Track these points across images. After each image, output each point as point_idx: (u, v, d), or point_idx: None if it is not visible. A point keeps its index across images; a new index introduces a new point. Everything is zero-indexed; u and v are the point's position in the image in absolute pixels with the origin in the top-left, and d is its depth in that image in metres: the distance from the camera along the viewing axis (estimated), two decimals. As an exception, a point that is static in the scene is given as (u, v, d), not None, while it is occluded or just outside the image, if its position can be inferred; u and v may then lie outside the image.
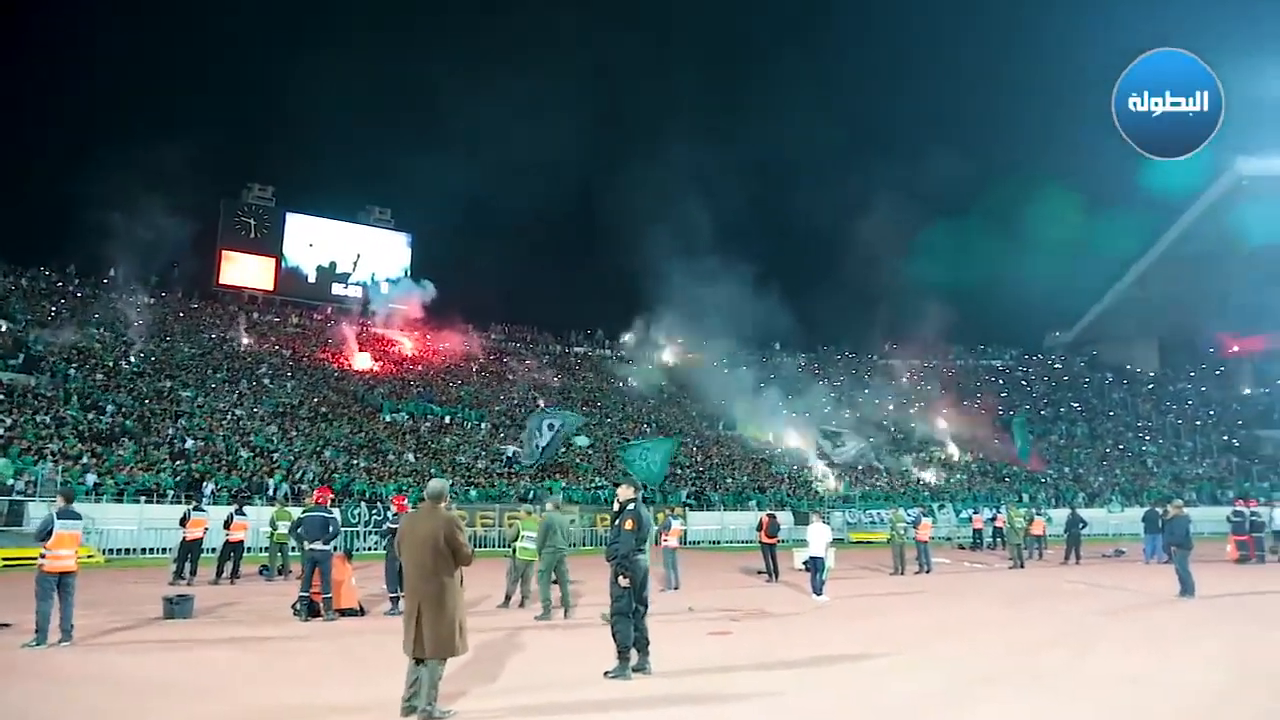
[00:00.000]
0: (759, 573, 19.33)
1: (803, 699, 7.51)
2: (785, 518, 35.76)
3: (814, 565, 15.32)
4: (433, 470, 32.47)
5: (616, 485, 9.44)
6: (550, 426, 32.16)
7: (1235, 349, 61.86)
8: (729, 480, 39.97)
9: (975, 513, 32.55)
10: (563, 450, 35.30)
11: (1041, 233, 54.12)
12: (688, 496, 35.87)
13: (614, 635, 8.18)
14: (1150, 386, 59.59)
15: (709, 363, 55.22)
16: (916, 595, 16.27)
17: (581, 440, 32.11)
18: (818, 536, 15.46)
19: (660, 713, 7.02)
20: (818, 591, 15.03)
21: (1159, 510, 22.99)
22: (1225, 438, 51.64)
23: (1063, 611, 13.57)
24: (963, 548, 30.23)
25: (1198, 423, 54.14)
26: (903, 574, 19.75)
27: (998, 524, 30.21)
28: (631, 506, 8.51)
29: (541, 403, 44.31)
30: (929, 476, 44.90)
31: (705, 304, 51.58)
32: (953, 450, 48.90)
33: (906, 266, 54.95)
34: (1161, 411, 55.75)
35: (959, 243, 57.77)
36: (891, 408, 53.03)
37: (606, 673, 8.10)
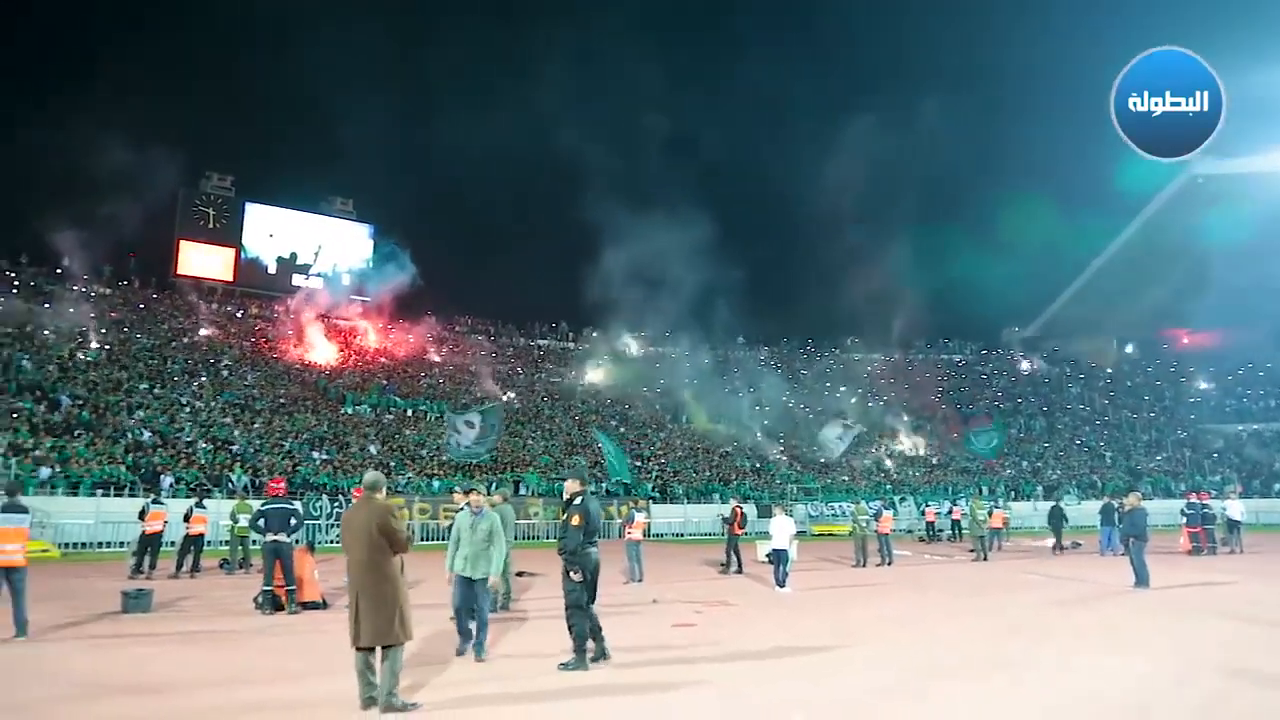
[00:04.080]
0: (722, 565, 19.45)
1: (765, 689, 7.57)
2: (749, 510, 36.05)
3: (777, 558, 15.45)
4: (394, 463, 32.30)
5: (564, 480, 9.41)
6: (469, 424, 31.73)
7: (1187, 344, 63.17)
8: (693, 473, 40.15)
9: (928, 505, 32.93)
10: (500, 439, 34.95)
11: (1003, 229, 54.88)
12: (652, 489, 35.97)
13: (570, 629, 8.18)
14: (1107, 381, 60.66)
15: (672, 356, 55.37)
16: (878, 587, 16.42)
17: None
18: (781, 529, 15.58)
19: (620, 701, 7.04)
20: (781, 583, 15.15)
21: (1115, 503, 23.44)
22: (1179, 432, 52.75)
23: (1021, 603, 13.78)
24: (922, 540, 30.60)
25: (1152, 416, 55.27)
26: (865, 566, 19.94)
27: (954, 516, 30.65)
28: (579, 501, 8.40)
29: (502, 394, 44.34)
30: (890, 469, 45.44)
31: (668, 298, 51.73)
32: (913, 443, 49.50)
33: (869, 262, 55.30)
34: (1117, 406, 56.80)
35: (922, 238, 58.27)
36: (853, 401, 53.52)
37: (562, 665, 8.11)
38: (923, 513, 33.35)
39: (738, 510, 19.34)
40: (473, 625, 8.74)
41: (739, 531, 18.96)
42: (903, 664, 8.73)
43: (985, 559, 22.03)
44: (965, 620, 11.96)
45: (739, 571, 18.29)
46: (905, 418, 52.07)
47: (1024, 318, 65.81)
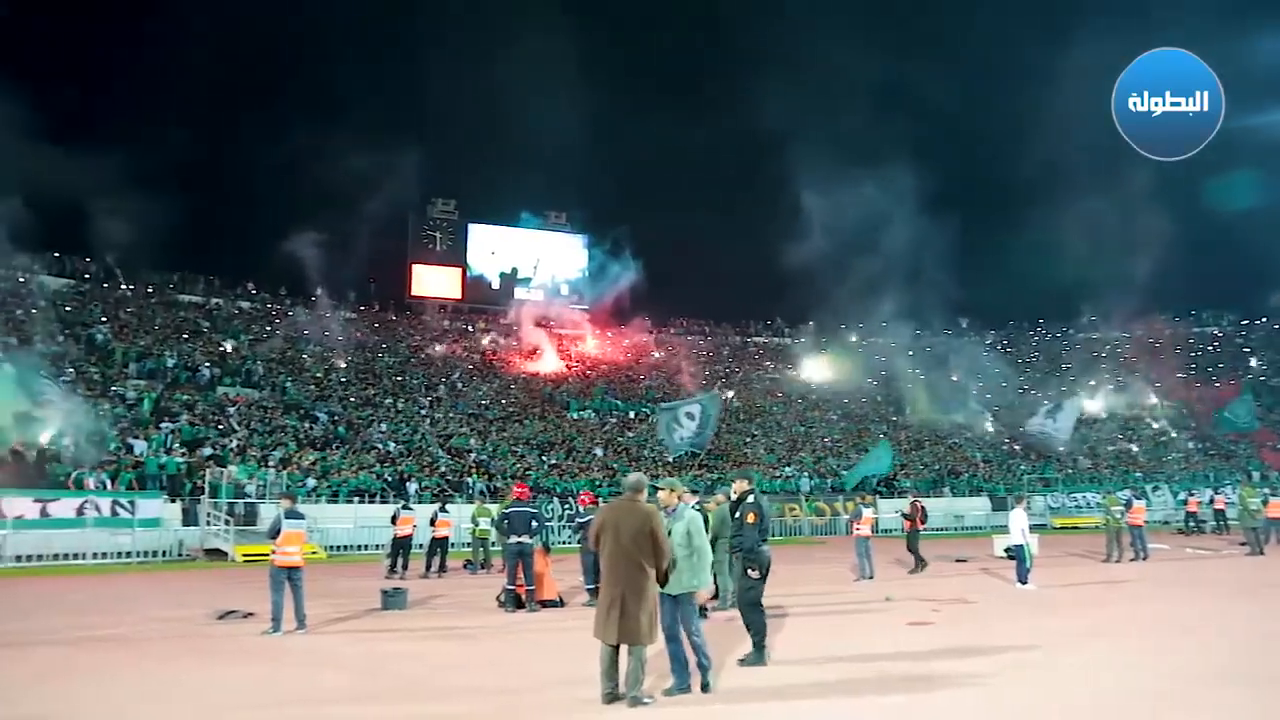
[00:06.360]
0: (957, 560, 18.64)
1: (1011, 690, 7.17)
2: (981, 503, 34.51)
3: (1018, 553, 14.62)
4: (617, 465, 33.18)
5: (732, 480, 9.33)
6: (690, 415, 31.89)
7: None
8: (920, 466, 38.81)
9: (1191, 494, 30.17)
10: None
11: (1264, 179, 48.35)
12: (878, 484, 35.05)
13: (749, 626, 8.18)
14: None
15: (892, 345, 53.58)
16: (1133, 584, 15.21)
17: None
18: (1018, 523, 14.73)
19: (867, 702, 6.86)
20: (1023, 580, 14.34)
21: None
22: None
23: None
24: (1182, 532, 28.06)
25: None
26: (1118, 561, 18.50)
27: (1217, 506, 27.97)
28: (751, 499, 8.50)
29: (720, 392, 44.56)
30: (1138, 456, 42.00)
31: (885, 285, 50.05)
32: (1165, 427, 45.43)
33: (1103, 228, 50.08)
34: None
35: (1163, 195, 51.70)
36: (1093, 384, 49.72)
37: (741, 660, 8.10)
38: (1183, 502, 30.59)
39: (917, 505, 18.39)
40: (688, 653, 7.06)
41: (920, 526, 18.01)
42: (1169, 668, 8.01)
43: (1261, 553, 19.87)
44: (1237, 623, 10.86)
45: (914, 570, 17.23)
46: (1153, 399, 47.84)
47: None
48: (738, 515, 8.52)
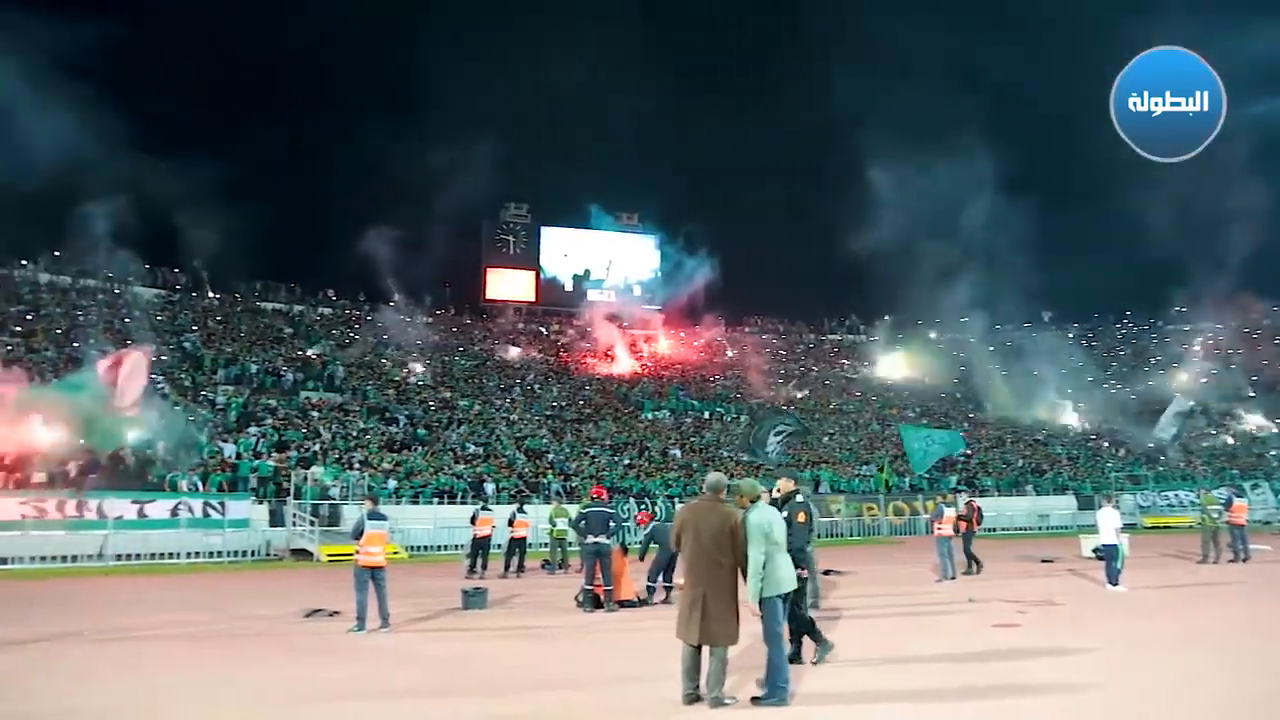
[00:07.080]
0: (1043, 561, 18.14)
1: (1105, 694, 6.94)
2: (1067, 502, 33.64)
3: (1108, 553, 14.15)
4: (694, 465, 33.12)
5: (778, 479, 9.12)
6: (778, 433, 31.82)
7: None
8: (1001, 464, 37.93)
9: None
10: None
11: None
12: (957, 483, 34.36)
13: (797, 623, 8.07)
14: None
15: (971, 340, 52.38)
16: (1233, 586, 14.60)
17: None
18: (1107, 522, 14.25)
19: (954, 708, 6.72)
20: (1113, 581, 13.87)
21: None
22: None
23: None
24: (1285, 532, 26.89)
25: None
26: (1216, 562, 17.76)
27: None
28: (800, 499, 8.46)
29: (795, 391, 44.23)
30: (1236, 452, 40.30)
31: (963, 278, 48.89)
32: (1264, 421, 43.45)
33: (1192, 211, 47.42)
34: None
35: (1257, 173, 48.11)
36: (1184, 377, 47.79)
37: (815, 660, 8.03)
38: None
39: (973, 505, 17.84)
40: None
41: (976, 528, 17.45)
42: (1271, 676, 7.65)
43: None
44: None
45: (967, 572, 16.58)
46: (1252, 393, 45.74)
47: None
48: (786, 514, 8.24)
